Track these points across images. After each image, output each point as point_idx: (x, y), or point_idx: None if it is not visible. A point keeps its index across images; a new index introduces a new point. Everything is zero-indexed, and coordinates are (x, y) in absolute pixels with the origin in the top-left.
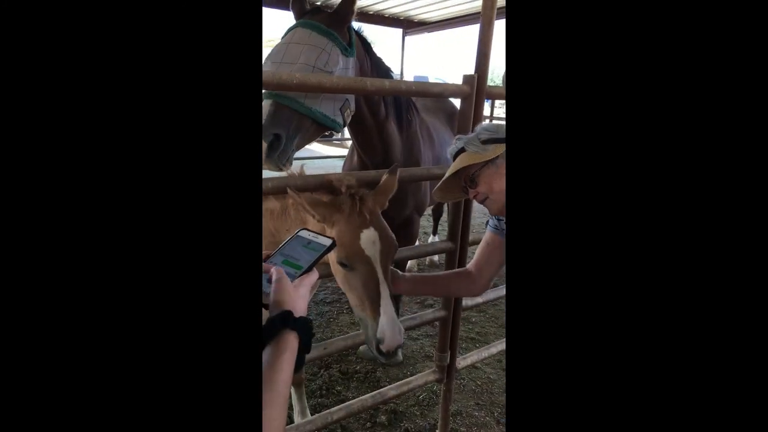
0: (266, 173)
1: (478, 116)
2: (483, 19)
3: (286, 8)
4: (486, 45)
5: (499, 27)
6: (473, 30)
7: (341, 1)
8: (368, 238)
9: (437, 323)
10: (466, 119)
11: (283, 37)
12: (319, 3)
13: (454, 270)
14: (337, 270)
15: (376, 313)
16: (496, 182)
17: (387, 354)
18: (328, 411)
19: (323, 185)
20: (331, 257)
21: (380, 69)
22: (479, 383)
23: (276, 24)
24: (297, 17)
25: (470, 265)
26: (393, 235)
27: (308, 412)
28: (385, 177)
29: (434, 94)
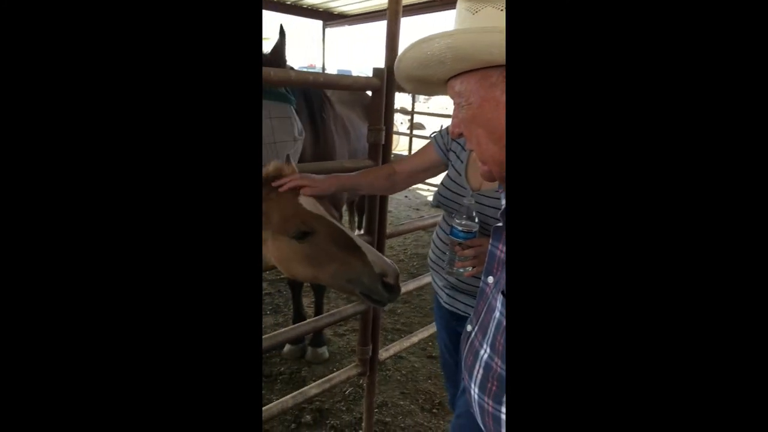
0: None
1: (389, 109)
2: (389, 13)
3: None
4: (393, 39)
5: (406, 23)
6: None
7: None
8: (308, 202)
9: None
10: (376, 112)
11: None
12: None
13: (379, 168)
14: (294, 254)
15: (362, 256)
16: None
17: (395, 287)
18: None
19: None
20: (280, 246)
21: None
22: (404, 372)
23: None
24: None
25: (399, 166)
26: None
27: None
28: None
29: (344, 87)
